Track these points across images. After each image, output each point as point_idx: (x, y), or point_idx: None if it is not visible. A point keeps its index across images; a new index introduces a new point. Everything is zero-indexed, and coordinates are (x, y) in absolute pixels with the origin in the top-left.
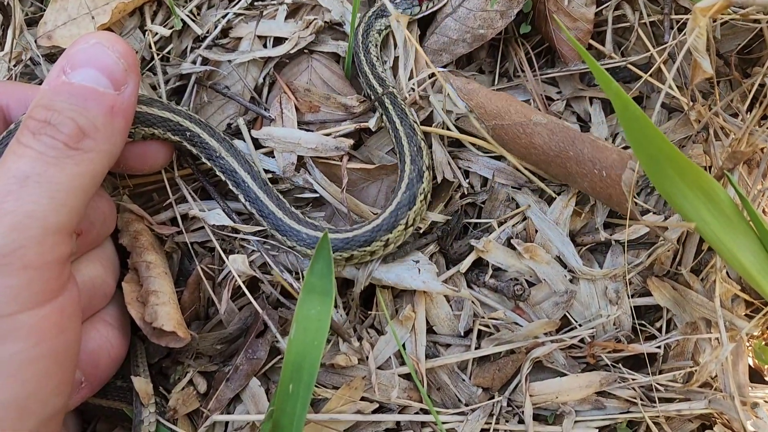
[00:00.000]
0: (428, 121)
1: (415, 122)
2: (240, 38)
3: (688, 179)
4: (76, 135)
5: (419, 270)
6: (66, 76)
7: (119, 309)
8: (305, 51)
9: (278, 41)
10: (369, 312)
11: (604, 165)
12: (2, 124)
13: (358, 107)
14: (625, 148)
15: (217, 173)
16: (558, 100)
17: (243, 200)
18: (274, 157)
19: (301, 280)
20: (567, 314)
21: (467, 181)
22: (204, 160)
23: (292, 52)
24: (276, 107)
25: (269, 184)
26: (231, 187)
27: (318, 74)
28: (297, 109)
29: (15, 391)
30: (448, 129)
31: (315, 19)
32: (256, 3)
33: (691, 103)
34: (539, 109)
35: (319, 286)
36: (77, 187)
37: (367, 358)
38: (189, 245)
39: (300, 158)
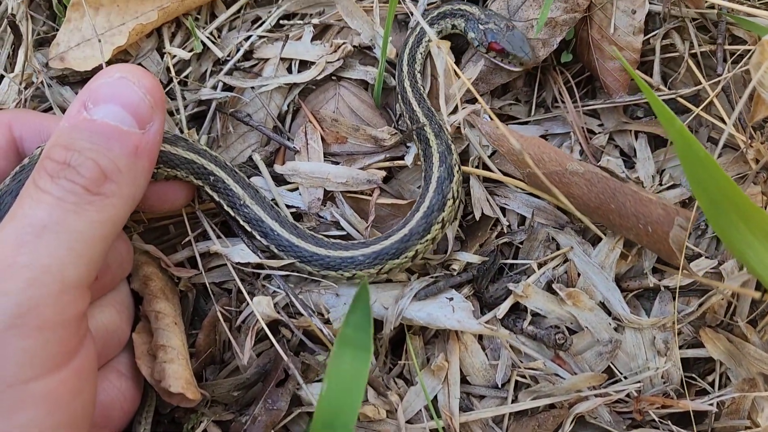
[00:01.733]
0: (464, 153)
1: (456, 162)
2: (263, 60)
3: (753, 225)
4: (98, 178)
5: (453, 308)
6: (87, 112)
7: (133, 357)
8: (333, 77)
9: (303, 65)
10: (398, 360)
11: (649, 220)
12: (15, 157)
13: (389, 140)
14: (671, 187)
15: (241, 222)
16: (600, 133)
17: (275, 250)
18: (297, 191)
19: (330, 322)
20: (611, 365)
21: (504, 218)
22: (227, 208)
23: (318, 78)
24: (301, 137)
25: (298, 225)
26: (259, 238)
27: (346, 102)
28: (323, 139)
29: None
30: (485, 165)
31: (344, 43)
32: (281, 22)
33: (750, 141)
34: (579, 143)
35: (355, 339)
36: (98, 236)
37: (396, 410)
38: (205, 286)
39: (327, 192)
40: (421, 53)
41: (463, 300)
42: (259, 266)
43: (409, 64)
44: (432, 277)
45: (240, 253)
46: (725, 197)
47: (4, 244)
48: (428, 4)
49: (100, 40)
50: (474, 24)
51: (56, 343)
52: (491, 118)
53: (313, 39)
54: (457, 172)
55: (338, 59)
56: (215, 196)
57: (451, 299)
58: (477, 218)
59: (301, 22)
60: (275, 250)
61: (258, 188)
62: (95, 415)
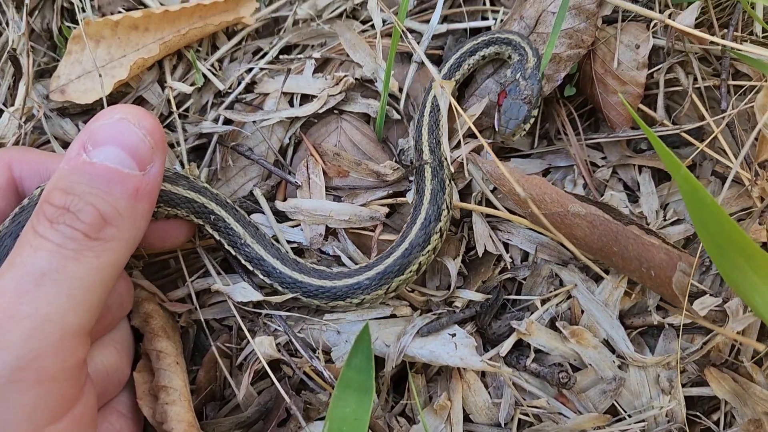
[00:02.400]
0: (467, 188)
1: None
2: (264, 94)
3: (758, 268)
4: (98, 223)
5: (456, 345)
6: (87, 155)
7: (133, 396)
8: (334, 111)
9: (305, 98)
10: (400, 398)
11: (652, 264)
12: (15, 197)
13: (391, 175)
14: (675, 222)
15: (243, 262)
16: (603, 166)
17: (279, 287)
18: (298, 226)
19: (332, 361)
20: (615, 403)
21: (507, 254)
22: (228, 247)
23: (320, 111)
24: (302, 172)
25: (300, 260)
26: (261, 276)
27: (348, 136)
28: (325, 173)
29: None
30: (488, 201)
31: (346, 76)
32: (281, 57)
33: (754, 179)
34: (582, 176)
35: (357, 382)
36: (97, 282)
37: None
38: (204, 323)
39: (328, 228)
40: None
41: (466, 336)
42: (260, 304)
43: (432, 108)
44: (435, 314)
45: (242, 291)
46: (729, 240)
47: (3, 293)
48: (432, 38)
49: (100, 75)
50: (520, 67)
51: (56, 394)
52: (492, 157)
53: (315, 72)
54: (447, 209)
55: (340, 92)
56: (216, 235)
57: (453, 335)
58: (480, 254)
59: (302, 56)
60: (279, 288)
61: (258, 225)
62: None
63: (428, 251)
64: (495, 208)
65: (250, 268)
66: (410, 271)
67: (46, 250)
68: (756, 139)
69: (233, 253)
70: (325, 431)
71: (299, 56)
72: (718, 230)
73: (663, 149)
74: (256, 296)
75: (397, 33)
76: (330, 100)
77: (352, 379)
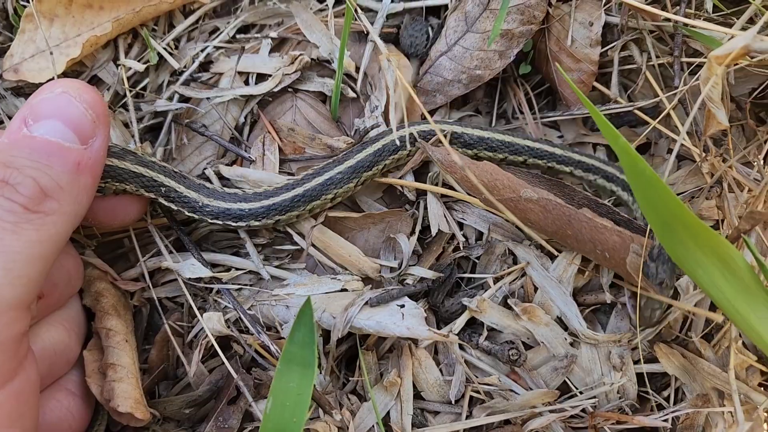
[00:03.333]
0: (424, 167)
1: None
2: (220, 73)
3: (702, 244)
4: (37, 196)
5: (403, 315)
6: (28, 129)
7: (83, 375)
8: (289, 90)
9: (261, 78)
10: (352, 375)
11: (605, 247)
12: None
13: (345, 149)
14: None
15: (209, 221)
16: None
17: (253, 222)
18: None
19: (283, 338)
20: (567, 380)
21: (462, 233)
22: (188, 213)
23: (275, 90)
24: (258, 147)
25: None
26: (233, 223)
27: (303, 114)
28: (281, 150)
29: None
30: (444, 182)
31: (301, 54)
32: (238, 36)
33: (704, 155)
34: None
35: (299, 357)
36: (36, 256)
37: (348, 427)
38: (157, 301)
39: None
40: None
41: (414, 307)
42: (212, 281)
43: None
44: (386, 289)
45: (191, 268)
46: (674, 216)
47: None
48: (387, 17)
49: (51, 53)
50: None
51: None
52: (444, 143)
53: (271, 51)
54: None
55: (295, 71)
56: (173, 206)
57: (402, 306)
58: (433, 234)
59: (258, 35)
60: (254, 222)
61: (204, 183)
62: None
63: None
64: (451, 188)
65: (220, 223)
66: (325, 199)
67: None
68: (700, 109)
69: (197, 216)
70: (268, 406)
71: (256, 36)
72: (660, 204)
73: (602, 121)
74: (205, 272)
75: (350, 12)
76: (285, 78)
77: (295, 354)
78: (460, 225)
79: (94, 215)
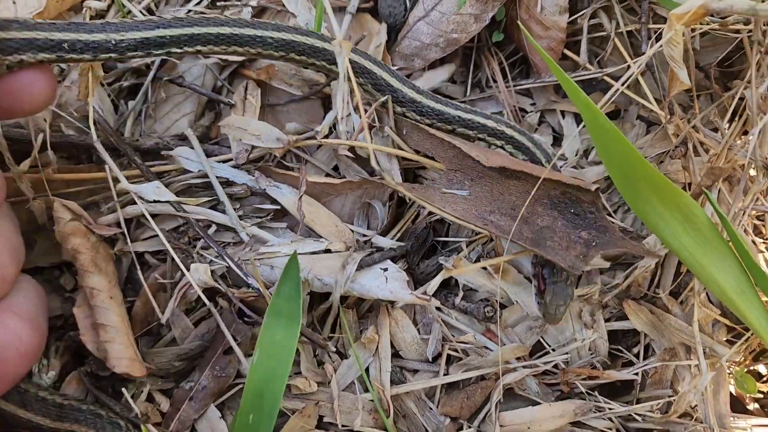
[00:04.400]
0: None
1: None
2: None
3: (664, 198)
4: None
5: (387, 279)
6: None
7: (29, 301)
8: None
9: None
10: (332, 335)
11: None
12: None
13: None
14: (597, 164)
15: (129, 55)
16: (532, 112)
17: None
18: (228, 162)
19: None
20: (541, 339)
21: None
22: (103, 54)
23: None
24: (240, 92)
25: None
26: (175, 49)
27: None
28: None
29: None
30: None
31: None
32: (220, 3)
33: (669, 117)
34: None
35: (285, 310)
36: None
37: (329, 382)
38: (135, 257)
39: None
40: None
41: (397, 271)
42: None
43: None
44: (369, 250)
45: (154, 191)
46: (634, 170)
47: None
48: None
49: (14, 2)
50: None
51: None
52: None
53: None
54: None
55: None
56: (83, 57)
57: (385, 270)
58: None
59: (239, 2)
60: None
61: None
62: None
63: None
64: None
65: (140, 53)
66: None
67: None
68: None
69: (115, 56)
70: (255, 358)
71: (236, 2)
72: (622, 160)
73: (565, 79)
74: (170, 196)
75: None
76: None
77: (281, 307)
78: None
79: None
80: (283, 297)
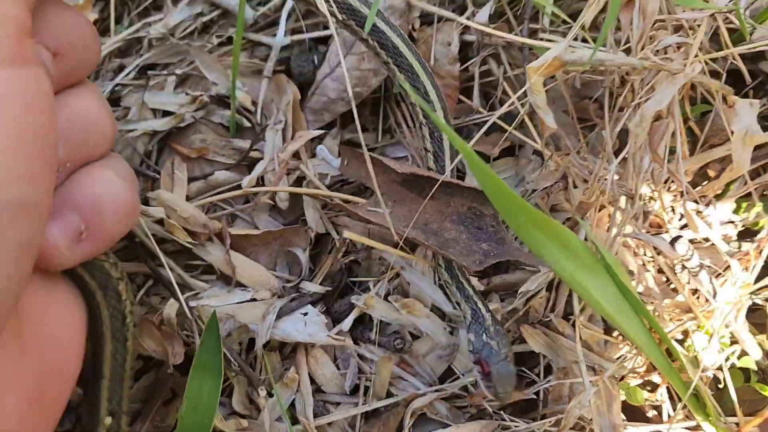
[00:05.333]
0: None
1: None
2: (128, 108)
3: (543, 229)
4: None
5: (305, 323)
6: None
7: (125, 165)
8: (194, 119)
9: (167, 113)
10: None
11: None
12: None
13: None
14: None
15: None
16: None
17: None
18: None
19: None
20: (451, 366)
21: (347, 240)
22: None
23: (180, 125)
24: (167, 167)
25: None
26: None
27: (206, 137)
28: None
29: None
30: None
31: (201, 95)
32: (149, 72)
33: (550, 155)
34: (417, 164)
35: (209, 363)
36: None
37: (259, 418)
38: None
39: None
40: None
41: (316, 315)
42: None
43: None
44: (290, 297)
45: None
46: (515, 207)
47: None
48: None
49: None
50: (480, 328)
51: None
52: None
53: (177, 87)
54: None
55: (196, 110)
56: None
57: (305, 314)
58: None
59: (165, 72)
60: None
61: None
62: (83, 205)
63: None
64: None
65: None
66: None
67: None
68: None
69: None
70: (182, 409)
71: (163, 72)
72: (503, 199)
73: (447, 130)
74: None
75: (238, 47)
76: (187, 116)
77: (204, 361)
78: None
79: None
80: (206, 351)
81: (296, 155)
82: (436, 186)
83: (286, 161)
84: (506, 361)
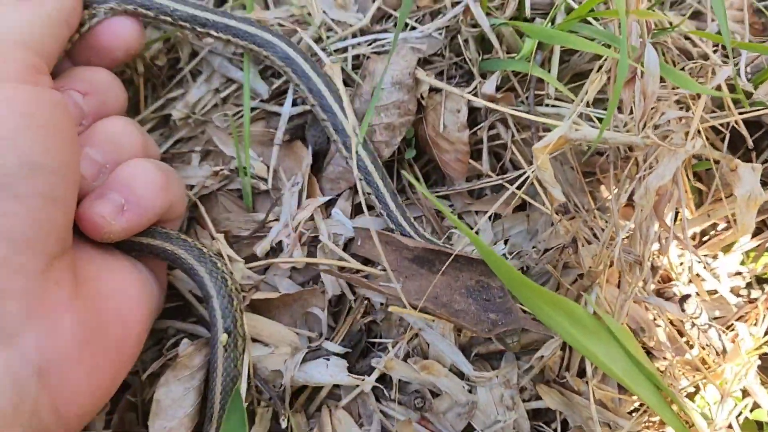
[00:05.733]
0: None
1: None
2: None
3: (549, 302)
4: None
5: (327, 365)
6: None
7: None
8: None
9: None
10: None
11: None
12: None
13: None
14: (515, 257)
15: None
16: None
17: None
18: None
19: None
20: (470, 423)
21: (366, 301)
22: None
23: (202, 194)
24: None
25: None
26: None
27: (225, 207)
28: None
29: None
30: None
31: (222, 169)
32: (172, 149)
33: (559, 219)
34: (431, 225)
35: None
36: (34, 21)
37: None
38: None
39: None
40: None
41: (338, 359)
42: None
43: None
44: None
45: None
46: (521, 284)
47: None
48: (292, 118)
49: None
50: None
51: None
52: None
53: (202, 161)
54: None
55: (219, 181)
56: (149, 13)
57: (328, 359)
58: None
59: (186, 150)
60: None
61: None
62: (119, 182)
63: None
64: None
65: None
66: None
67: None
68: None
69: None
70: None
71: (183, 150)
72: (509, 277)
73: (452, 218)
74: None
75: (248, 124)
76: (211, 187)
77: None
78: (368, 299)
79: (98, 41)
80: (231, 424)
81: (312, 218)
82: (448, 261)
83: (299, 228)
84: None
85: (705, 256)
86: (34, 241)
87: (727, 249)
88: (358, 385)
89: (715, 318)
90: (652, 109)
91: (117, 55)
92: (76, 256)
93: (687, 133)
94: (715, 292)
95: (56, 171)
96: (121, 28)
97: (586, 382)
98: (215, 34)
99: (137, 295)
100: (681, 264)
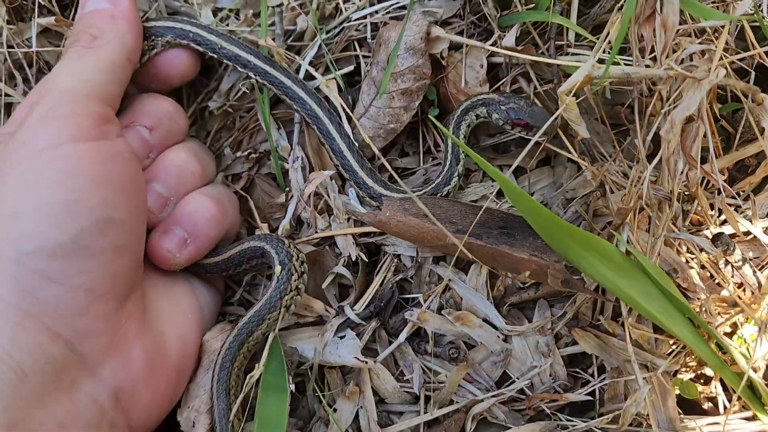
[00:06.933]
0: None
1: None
2: None
3: (581, 243)
4: (90, 40)
5: (338, 346)
6: (81, 8)
7: (220, 188)
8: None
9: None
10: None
11: (528, 270)
12: None
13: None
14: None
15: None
16: (475, 171)
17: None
18: None
19: None
20: (506, 371)
21: (396, 259)
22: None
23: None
24: None
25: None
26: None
27: (261, 189)
28: None
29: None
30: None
31: (252, 153)
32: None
33: (586, 165)
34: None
35: (274, 384)
36: (98, 68)
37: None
38: None
39: None
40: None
41: (353, 338)
42: None
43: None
44: (340, 319)
45: None
46: (549, 223)
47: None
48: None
49: None
50: (496, 107)
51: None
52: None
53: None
54: None
55: (253, 165)
56: (199, 48)
57: (343, 337)
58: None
59: (221, 140)
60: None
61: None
62: (182, 220)
63: None
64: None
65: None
66: None
67: (63, 58)
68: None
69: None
70: (254, 427)
71: (220, 140)
72: (535, 215)
73: (480, 160)
74: None
75: (267, 116)
76: (246, 171)
77: (270, 382)
78: (399, 256)
79: (157, 69)
80: (272, 373)
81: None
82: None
83: (311, 200)
84: (531, 107)
85: (735, 197)
86: (109, 291)
87: (757, 190)
88: (392, 342)
89: (750, 259)
90: (674, 42)
91: (174, 83)
92: (144, 284)
93: (710, 66)
94: (748, 233)
95: (125, 221)
96: (179, 59)
97: (622, 325)
98: (253, 75)
99: (195, 318)
100: (711, 206)
